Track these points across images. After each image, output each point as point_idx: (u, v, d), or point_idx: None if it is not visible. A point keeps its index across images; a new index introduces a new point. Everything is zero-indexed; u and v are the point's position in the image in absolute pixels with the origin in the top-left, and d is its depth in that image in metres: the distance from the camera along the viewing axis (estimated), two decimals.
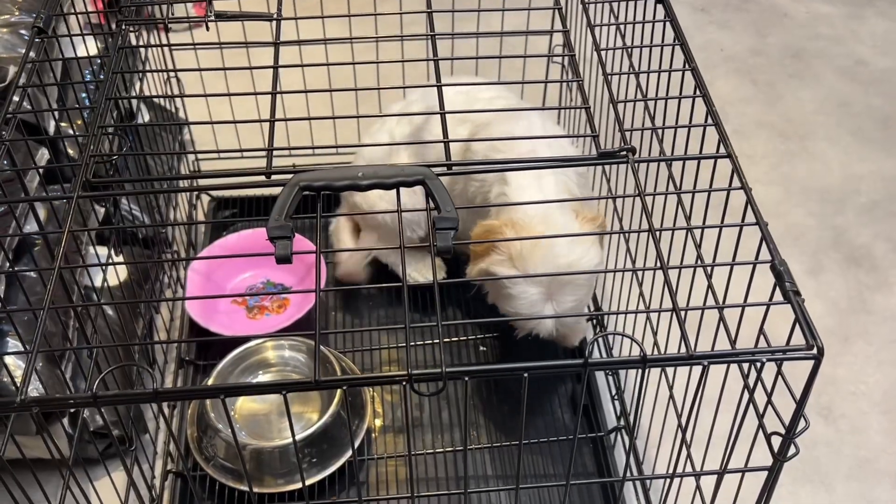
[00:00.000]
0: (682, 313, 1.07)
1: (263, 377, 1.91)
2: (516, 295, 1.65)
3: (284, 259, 1.09)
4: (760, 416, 1.20)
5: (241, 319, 2.04)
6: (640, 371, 1.08)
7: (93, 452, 1.74)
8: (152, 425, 1.87)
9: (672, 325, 1.46)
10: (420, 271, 2.06)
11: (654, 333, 1.67)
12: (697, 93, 1.32)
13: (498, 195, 1.72)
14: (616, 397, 1.89)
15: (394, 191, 1.80)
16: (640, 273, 1.74)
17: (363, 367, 1.96)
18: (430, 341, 2.00)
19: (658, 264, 1.12)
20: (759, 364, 1.08)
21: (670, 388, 1.60)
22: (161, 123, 1.97)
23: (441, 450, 1.83)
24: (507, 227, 1.63)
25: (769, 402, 1.17)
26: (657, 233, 1.15)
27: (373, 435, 1.86)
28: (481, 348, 2.00)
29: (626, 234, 1.74)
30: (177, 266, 2.09)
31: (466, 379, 1.03)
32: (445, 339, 1.99)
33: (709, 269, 1.19)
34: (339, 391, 1.78)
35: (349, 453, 1.76)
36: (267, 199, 2.27)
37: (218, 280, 2.07)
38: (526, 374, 1.04)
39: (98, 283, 1.79)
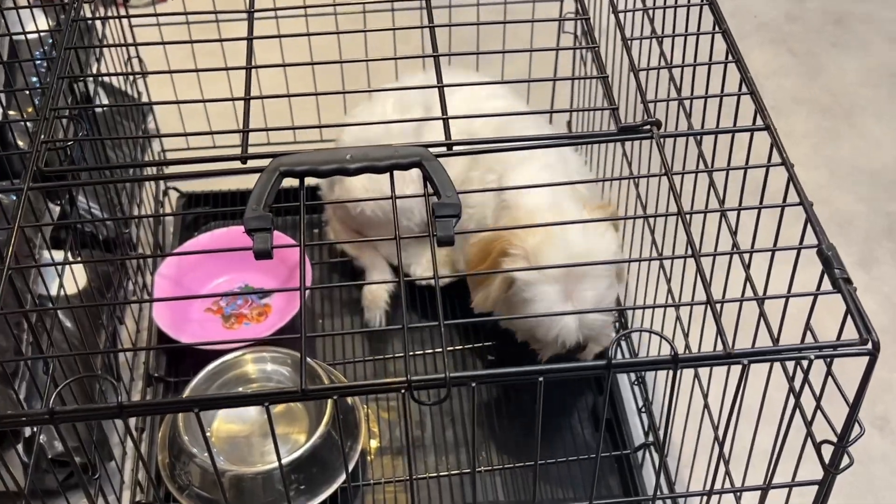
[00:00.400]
0: (718, 307, 1.06)
1: None
2: (531, 298, 1.67)
3: (264, 254, 1.10)
4: (808, 424, 1.19)
5: (217, 329, 2.04)
6: (670, 375, 1.07)
7: (52, 483, 1.73)
8: (118, 451, 1.87)
9: (706, 322, 1.44)
10: (426, 269, 2.08)
11: (686, 334, 1.67)
12: (729, 58, 1.31)
13: (497, 205, 1.77)
14: (643, 410, 1.89)
15: (380, 179, 1.83)
16: (667, 263, 1.73)
17: (356, 380, 1.95)
18: (430, 350, 2.01)
19: (688, 252, 1.11)
20: (806, 362, 1.07)
21: (705, 395, 1.60)
22: (121, 105, 1.95)
23: (446, 473, 1.83)
24: (514, 237, 1.68)
25: (818, 406, 1.16)
26: (687, 216, 1.14)
27: (368, 458, 1.87)
28: (489, 357, 2.01)
29: (652, 219, 1.73)
30: (142, 269, 2.09)
31: (473, 385, 1.03)
32: (449, 348, 2.01)
33: (746, 256, 1.18)
34: (328, 409, 1.78)
35: (342, 478, 1.76)
36: (244, 194, 2.28)
37: (189, 285, 2.07)
38: (541, 379, 1.04)
39: (54, 291, 1.79)
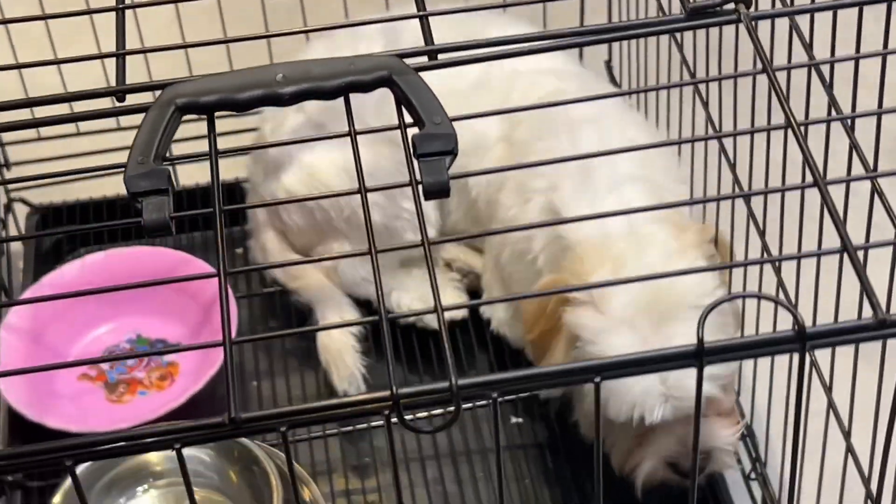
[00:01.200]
0: (860, 254, 1.05)
1: (144, 497, 1.87)
2: (599, 354, 1.71)
3: (159, 227, 1.06)
4: None
5: (99, 405, 2.02)
6: (794, 363, 1.06)
7: None
8: None
9: (845, 280, 1.41)
10: (419, 299, 2.11)
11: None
12: None
13: (549, 239, 1.83)
14: (755, 476, 1.87)
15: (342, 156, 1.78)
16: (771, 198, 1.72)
17: (313, 463, 1.98)
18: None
19: (807, 178, 1.09)
20: None
21: (846, 433, 1.57)
22: None
23: None
24: (572, 276, 1.75)
25: None
26: (801, 128, 1.13)
27: None
28: (515, 419, 2.03)
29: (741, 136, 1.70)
30: None
31: (496, 397, 1.00)
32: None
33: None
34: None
35: None
36: (125, 205, 2.28)
37: (53, 343, 2.04)
38: (598, 379, 1.04)
39: None
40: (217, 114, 1.14)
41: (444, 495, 1.93)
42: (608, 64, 2.44)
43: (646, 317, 1.69)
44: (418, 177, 1.08)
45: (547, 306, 1.78)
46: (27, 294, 2.10)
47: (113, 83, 1.22)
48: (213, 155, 1.12)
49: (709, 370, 1.64)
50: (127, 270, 2.08)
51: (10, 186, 2.30)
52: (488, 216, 1.98)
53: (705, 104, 1.91)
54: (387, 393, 0.97)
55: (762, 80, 1.25)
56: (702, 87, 1.92)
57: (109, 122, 2.22)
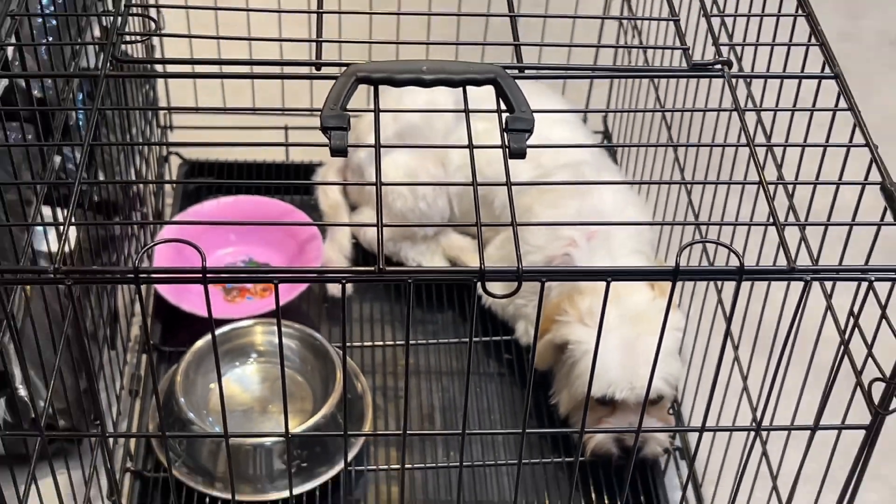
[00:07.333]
0: (783, 229, 1.28)
1: (249, 366, 2.16)
2: (586, 353, 1.92)
3: (340, 151, 1.31)
4: (859, 372, 1.40)
5: (218, 302, 2.27)
6: (735, 292, 1.27)
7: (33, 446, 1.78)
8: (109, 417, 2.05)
9: (767, 239, 1.66)
10: (424, 256, 2.39)
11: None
12: (800, 11, 1.59)
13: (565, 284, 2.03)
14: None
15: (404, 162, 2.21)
16: (738, 188, 1.94)
17: (363, 366, 2.23)
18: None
19: (756, 177, 1.33)
20: (867, 285, 1.28)
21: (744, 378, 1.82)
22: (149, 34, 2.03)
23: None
24: (567, 301, 1.96)
25: (869, 342, 1.36)
26: (757, 150, 1.37)
27: (371, 448, 2.10)
28: (506, 356, 2.28)
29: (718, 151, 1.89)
30: (145, 231, 2.33)
31: (544, 280, 1.26)
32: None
33: (811, 188, 1.41)
34: (336, 389, 2.01)
35: (342, 464, 2.00)
36: (251, 167, 2.54)
37: (191, 255, 2.18)
38: (609, 279, 1.26)
39: (44, 247, 1.95)
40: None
41: (451, 399, 2.18)
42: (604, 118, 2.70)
43: (627, 329, 1.90)
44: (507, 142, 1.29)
45: (551, 315, 1.98)
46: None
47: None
48: (377, 113, 1.35)
49: (666, 369, 1.92)
50: (249, 212, 2.33)
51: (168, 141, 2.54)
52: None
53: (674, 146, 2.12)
54: (477, 267, 1.20)
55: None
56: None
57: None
